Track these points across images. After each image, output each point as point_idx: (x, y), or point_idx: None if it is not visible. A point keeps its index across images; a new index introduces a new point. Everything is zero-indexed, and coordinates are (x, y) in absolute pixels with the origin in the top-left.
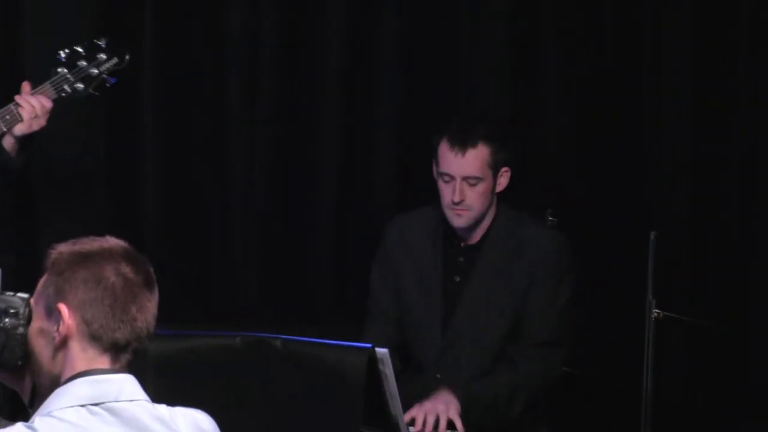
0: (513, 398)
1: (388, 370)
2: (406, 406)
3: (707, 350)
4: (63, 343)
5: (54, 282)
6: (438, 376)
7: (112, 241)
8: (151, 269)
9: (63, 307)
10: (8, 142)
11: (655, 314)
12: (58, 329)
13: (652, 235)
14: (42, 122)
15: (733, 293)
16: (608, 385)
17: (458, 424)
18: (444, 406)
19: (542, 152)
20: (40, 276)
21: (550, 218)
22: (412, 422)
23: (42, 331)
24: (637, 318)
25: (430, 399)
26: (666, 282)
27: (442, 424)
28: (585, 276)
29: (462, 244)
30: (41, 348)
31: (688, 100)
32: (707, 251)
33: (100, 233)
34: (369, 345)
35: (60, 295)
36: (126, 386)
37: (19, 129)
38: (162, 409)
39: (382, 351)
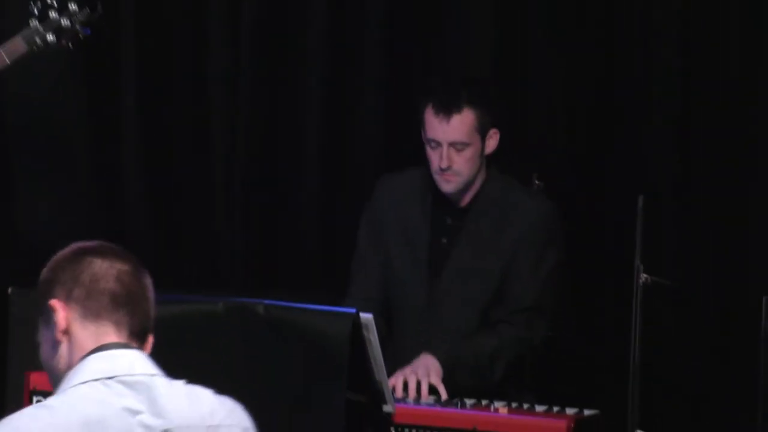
0: (494, 362)
1: (372, 336)
2: (389, 370)
3: (694, 315)
4: (65, 335)
5: (42, 288)
6: (422, 339)
7: (96, 243)
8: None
9: (54, 302)
10: None
11: (643, 279)
12: (56, 324)
13: (640, 199)
14: None
15: (722, 257)
16: (595, 350)
17: (441, 388)
18: (424, 370)
19: (528, 115)
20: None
21: (537, 182)
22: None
23: (47, 341)
24: (624, 283)
25: (411, 364)
26: (654, 247)
27: (424, 389)
28: (572, 241)
29: (451, 207)
30: (54, 355)
31: (678, 60)
32: (696, 215)
33: (81, 198)
34: (353, 310)
35: (49, 294)
36: (138, 362)
37: None
38: (179, 384)
39: (366, 316)
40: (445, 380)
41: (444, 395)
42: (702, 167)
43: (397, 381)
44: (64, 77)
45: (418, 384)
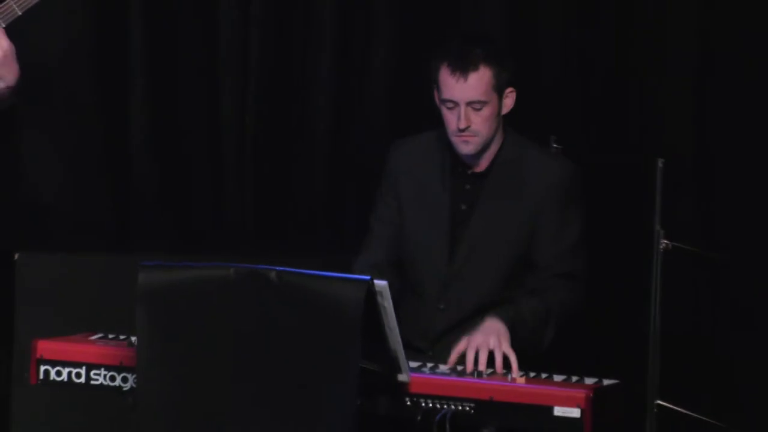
0: (546, 326)
1: (387, 303)
2: (405, 340)
3: (715, 281)
4: None
5: None
6: (441, 307)
7: None
8: None
9: None
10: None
11: (663, 245)
12: None
13: (660, 162)
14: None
15: (741, 224)
16: (615, 316)
17: (512, 358)
18: (496, 338)
19: (544, 78)
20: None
21: (555, 145)
22: (461, 361)
23: None
24: (644, 249)
25: (478, 330)
26: (674, 212)
27: (498, 361)
28: (589, 206)
29: (469, 172)
30: None
31: (693, 26)
32: (716, 179)
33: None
34: (367, 277)
35: None
36: None
37: None
38: None
39: (380, 283)
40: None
41: (516, 369)
42: (722, 129)
43: (469, 353)
44: (73, 35)
45: (491, 355)
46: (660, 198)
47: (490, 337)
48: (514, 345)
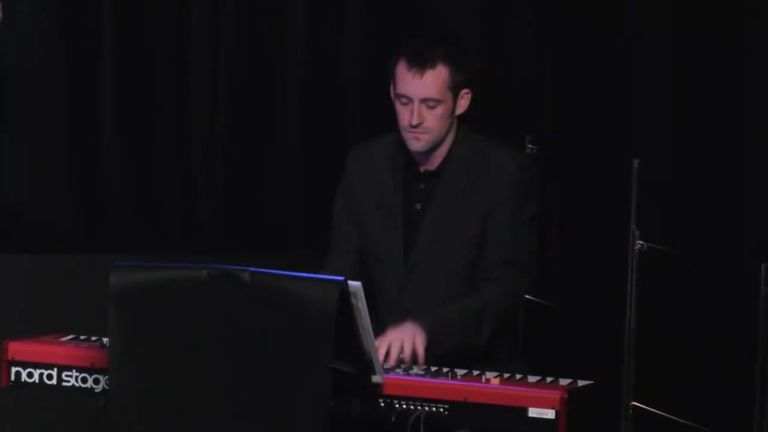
0: (480, 323)
1: (360, 304)
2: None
3: (690, 281)
4: None
5: None
6: (400, 305)
7: None
8: None
9: None
10: None
11: (639, 245)
12: None
13: (635, 163)
14: None
15: (715, 223)
16: (591, 316)
17: (420, 352)
18: (410, 335)
19: (518, 79)
20: None
21: (530, 146)
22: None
23: None
24: (619, 249)
25: (394, 330)
26: (649, 212)
27: (407, 352)
28: (565, 206)
29: (422, 170)
30: None
31: (667, 26)
32: (692, 180)
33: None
34: (341, 278)
35: None
36: None
37: None
38: None
39: (354, 284)
40: (432, 346)
41: (421, 362)
42: (697, 130)
43: (381, 348)
44: (41, 35)
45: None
46: (635, 198)
47: (404, 334)
48: (444, 345)
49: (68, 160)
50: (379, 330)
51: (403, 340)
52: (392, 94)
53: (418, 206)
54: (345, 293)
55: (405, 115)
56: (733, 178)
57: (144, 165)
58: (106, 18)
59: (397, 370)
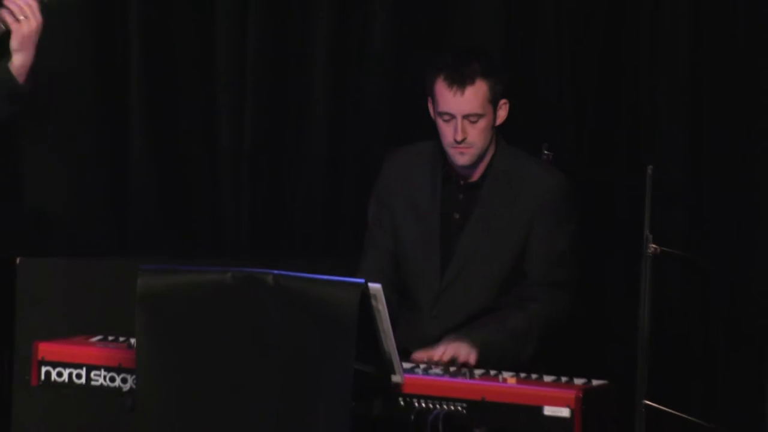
0: (526, 342)
1: (381, 306)
2: (401, 346)
3: (704, 285)
4: None
5: None
6: (435, 314)
7: None
8: None
9: None
10: (17, 66)
11: (652, 249)
12: None
13: (649, 169)
14: (33, 24)
15: (730, 228)
16: (604, 320)
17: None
18: (466, 351)
19: (536, 86)
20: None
21: (546, 152)
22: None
23: None
24: (633, 253)
25: (452, 341)
26: (662, 217)
27: (461, 361)
28: (581, 211)
29: (461, 182)
30: None
31: (684, 34)
32: (704, 185)
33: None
34: (362, 280)
35: None
36: None
37: (16, 40)
38: None
39: (375, 286)
40: (480, 363)
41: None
42: (712, 137)
43: (436, 352)
44: (73, 44)
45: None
46: (650, 204)
47: (462, 349)
48: (490, 363)
49: (100, 168)
50: (413, 338)
51: (460, 351)
52: (432, 112)
53: (457, 216)
54: (366, 295)
55: (449, 132)
56: (745, 183)
57: (172, 173)
58: (134, 27)
59: (417, 369)
